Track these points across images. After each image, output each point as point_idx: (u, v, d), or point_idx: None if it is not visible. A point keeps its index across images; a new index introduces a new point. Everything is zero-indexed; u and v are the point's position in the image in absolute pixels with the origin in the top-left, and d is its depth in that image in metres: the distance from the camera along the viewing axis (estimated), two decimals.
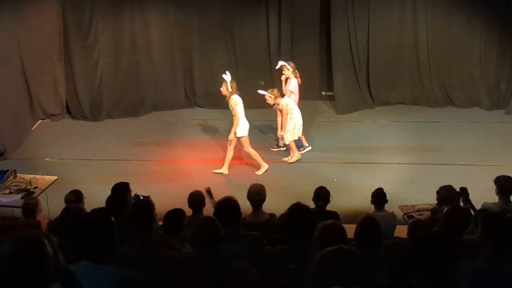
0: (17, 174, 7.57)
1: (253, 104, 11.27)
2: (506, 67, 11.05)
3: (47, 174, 7.75)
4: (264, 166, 8.72)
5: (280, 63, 9.25)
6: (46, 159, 9.23)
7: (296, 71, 9.19)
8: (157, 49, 11.06)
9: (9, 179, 7.40)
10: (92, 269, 3.05)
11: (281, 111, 8.89)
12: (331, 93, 11.41)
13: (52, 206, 6.48)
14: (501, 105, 11.10)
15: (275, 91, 8.88)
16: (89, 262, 3.08)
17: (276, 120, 9.26)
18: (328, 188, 5.93)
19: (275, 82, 11.34)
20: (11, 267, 2.40)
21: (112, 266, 3.12)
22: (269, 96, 8.81)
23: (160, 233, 4.87)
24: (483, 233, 3.63)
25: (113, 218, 3.28)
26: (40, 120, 10.72)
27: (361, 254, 2.82)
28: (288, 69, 9.14)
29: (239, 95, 8.53)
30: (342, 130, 10.31)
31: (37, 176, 7.57)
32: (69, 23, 10.60)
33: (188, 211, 5.64)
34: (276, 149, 9.47)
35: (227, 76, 8.50)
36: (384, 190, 6.01)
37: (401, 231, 5.70)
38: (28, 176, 7.55)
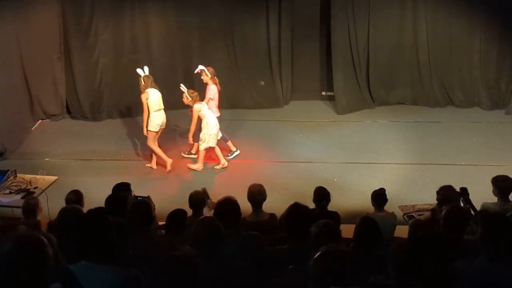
0: (17, 174, 7.58)
1: (254, 104, 11.34)
2: (506, 67, 11.04)
3: (47, 174, 7.75)
4: (168, 161, 8.79)
5: (200, 67, 8.96)
6: (46, 159, 9.22)
7: (215, 77, 8.94)
8: (157, 49, 11.05)
9: (9, 179, 7.42)
10: (92, 269, 3.05)
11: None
12: (331, 93, 11.40)
13: (52, 206, 6.48)
14: (501, 105, 11.09)
15: (195, 94, 8.68)
16: (89, 262, 3.07)
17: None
18: (328, 188, 5.91)
19: (275, 82, 11.39)
20: (11, 267, 2.40)
21: (112, 266, 3.12)
22: (186, 96, 8.66)
23: (160, 233, 4.87)
24: (483, 233, 3.63)
25: (110, 218, 3.28)
26: (40, 120, 10.72)
27: (359, 254, 2.83)
28: (206, 75, 8.88)
29: (157, 89, 8.76)
30: (342, 130, 10.30)
31: (37, 176, 7.58)
32: (69, 23, 10.60)
33: (189, 211, 5.65)
34: (187, 155, 9.23)
35: (140, 71, 8.68)
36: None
37: (401, 231, 5.70)
38: (28, 176, 7.56)
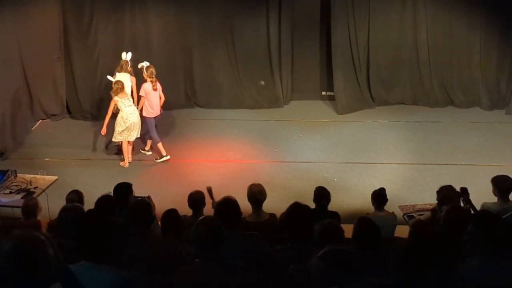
0: (17, 174, 7.58)
1: (254, 104, 11.34)
2: (506, 67, 11.04)
3: (47, 174, 7.76)
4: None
5: (142, 63, 9.03)
6: (46, 159, 9.23)
7: (153, 77, 8.90)
8: (157, 49, 11.04)
9: (9, 179, 7.42)
10: (92, 269, 3.05)
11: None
12: (331, 93, 11.40)
13: (52, 206, 6.48)
14: (501, 105, 11.09)
15: (116, 86, 8.72)
16: (89, 262, 3.07)
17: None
18: (328, 188, 5.92)
19: (275, 82, 11.38)
20: (11, 267, 2.40)
21: (112, 266, 3.11)
22: (112, 86, 8.87)
23: (159, 233, 4.88)
24: (482, 233, 3.63)
25: (108, 219, 3.27)
26: (40, 120, 10.72)
27: (358, 254, 2.82)
28: (144, 72, 8.93)
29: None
30: (342, 130, 10.30)
31: (37, 176, 7.58)
32: (69, 23, 10.60)
33: (189, 211, 5.65)
34: (143, 151, 9.41)
35: (124, 54, 9.28)
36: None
37: (401, 231, 5.70)
38: (28, 176, 7.57)
